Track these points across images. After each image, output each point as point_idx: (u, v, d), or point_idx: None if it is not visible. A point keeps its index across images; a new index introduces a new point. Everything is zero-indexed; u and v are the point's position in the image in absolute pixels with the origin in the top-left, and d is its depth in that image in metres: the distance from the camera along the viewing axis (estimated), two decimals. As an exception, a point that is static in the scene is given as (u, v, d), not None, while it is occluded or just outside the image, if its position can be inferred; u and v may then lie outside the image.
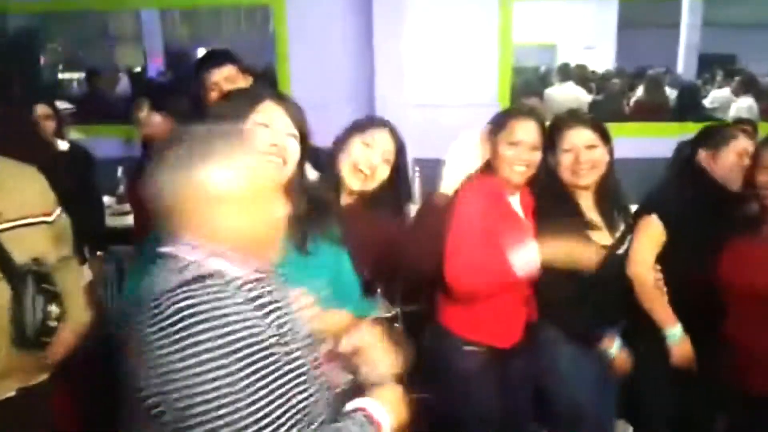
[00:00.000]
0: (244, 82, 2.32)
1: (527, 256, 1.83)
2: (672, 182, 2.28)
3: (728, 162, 2.12)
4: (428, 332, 2.05)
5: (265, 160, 1.22)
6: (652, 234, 2.08)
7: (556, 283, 1.90)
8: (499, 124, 1.97)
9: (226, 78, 2.27)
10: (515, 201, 2.02)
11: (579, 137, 1.99)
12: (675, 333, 2.06)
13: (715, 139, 2.18)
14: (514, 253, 1.84)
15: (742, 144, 2.13)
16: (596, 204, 2.06)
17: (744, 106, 5.35)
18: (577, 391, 2.04)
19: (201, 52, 8.99)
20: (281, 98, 1.46)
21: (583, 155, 1.98)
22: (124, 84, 6.53)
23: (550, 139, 2.03)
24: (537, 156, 1.94)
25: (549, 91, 5.91)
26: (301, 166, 1.46)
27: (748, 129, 4.01)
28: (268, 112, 1.41)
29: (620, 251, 2.07)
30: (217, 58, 2.38)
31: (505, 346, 2.00)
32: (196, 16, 9.64)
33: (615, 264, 2.04)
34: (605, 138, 2.02)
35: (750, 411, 1.93)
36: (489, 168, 1.95)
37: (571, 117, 2.10)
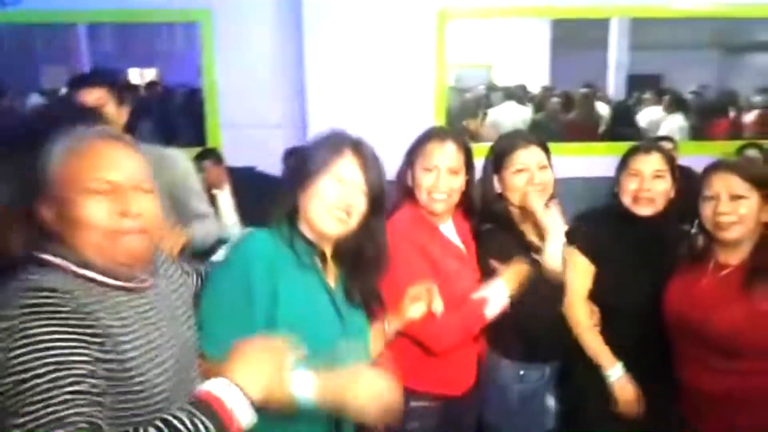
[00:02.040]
0: (114, 107, 2.18)
1: (497, 299, 1.75)
2: (593, 210, 2.16)
3: (626, 187, 1.99)
4: None
5: (331, 215, 1.40)
6: (576, 268, 1.98)
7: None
8: (414, 147, 1.85)
9: (96, 100, 2.12)
10: (448, 229, 1.91)
11: (532, 157, 1.91)
12: (612, 374, 1.96)
13: (622, 162, 2.06)
14: (481, 296, 1.74)
15: (635, 166, 1.99)
16: (539, 228, 1.95)
17: (675, 124, 5.51)
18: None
19: (133, 72, 8.71)
20: (361, 150, 1.46)
21: (537, 176, 1.89)
22: (34, 103, 6.18)
23: (495, 161, 1.94)
24: (458, 182, 1.82)
25: (492, 112, 5.91)
26: (365, 218, 1.47)
27: (668, 147, 4.14)
28: (346, 167, 1.43)
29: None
30: (86, 79, 2.24)
31: (458, 393, 1.86)
32: (129, 34, 9.31)
33: (560, 288, 1.95)
34: (550, 159, 1.96)
35: None
36: (411, 198, 1.84)
37: (520, 137, 2.01)
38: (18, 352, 0.94)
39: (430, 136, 1.85)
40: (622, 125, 5.69)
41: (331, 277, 1.49)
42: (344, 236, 1.45)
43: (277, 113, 3.94)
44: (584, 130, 5.26)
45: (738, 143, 4.32)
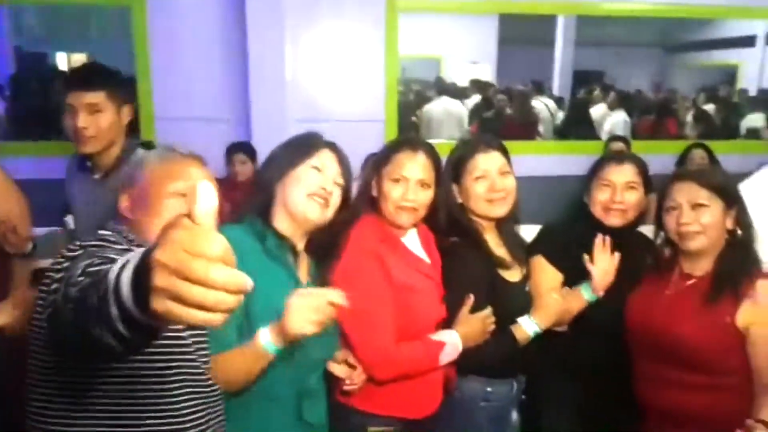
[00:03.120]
0: (113, 113, 1.98)
1: (454, 347, 1.67)
2: (560, 219, 2.10)
3: (597, 197, 1.92)
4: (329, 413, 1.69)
5: (312, 200, 1.48)
6: (541, 275, 1.91)
7: None
8: (383, 156, 1.73)
9: (90, 106, 1.94)
10: (412, 241, 1.78)
11: (492, 162, 1.81)
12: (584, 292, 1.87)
13: (592, 171, 1.98)
14: (440, 340, 1.66)
15: (607, 177, 1.92)
16: (500, 238, 1.89)
17: (618, 120, 5.59)
18: None
19: (60, 56, 8.18)
20: (336, 149, 1.58)
21: (499, 183, 1.80)
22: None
23: (454, 169, 1.83)
24: (427, 195, 1.71)
25: (428, 106, 5.83)
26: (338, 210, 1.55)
27: (622, 146, 4.15)
28: (324, 158, 1.53)
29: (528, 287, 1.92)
30: (82, 80, 2.01)
31: (420, 416, 1.74)
32: (58, 16, 8.76)
33: (526, 300, 1.88)
34: (510, 163, 1.86)
35: None
36: (374, 208, 1.72)
37: (480, 141, 1.90)
38: None
39: (401, 145, 1.74)
40: (578, 122, 5.69)
41: (304, 271, 1.53)
42: (318, 229, 1.52)
43: (219, 106, 3.72)
44: (520, 128, 5.24)
45: (684, 143, 4.38)
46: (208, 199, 0.65)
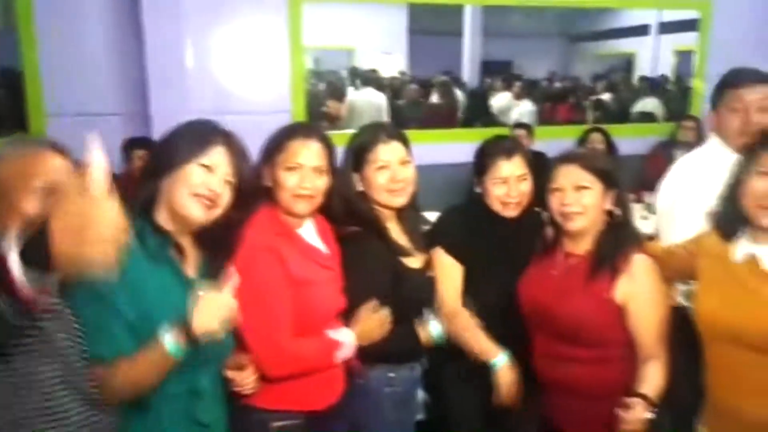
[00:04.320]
0: None
1: (349, 346, 1.68)
2: (454, 208, 2.11)
3: (492, 192, 1.96)
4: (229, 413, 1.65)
5: (197, 200, 1.42)
6: (443, 268, 1.95)
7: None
8: (275, 145, 1.70)
9: None
10: (309, 232, 1.77)
11: (393, 153, 1.82)
12: (498, 362, 1.90)
13: (482, 164, 2.01)
14: (336, 339, 1.67)
15: (500, 174, 1.95)
16: (401, 226, 1.92)
17: (525, 109, 5.77)
18: None
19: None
20: (232, 143, 1.49)
21: (399, 173, 1.82)
22: None
23: (355, 158, 1.84)
24: (323, 182, 1.70)
25: (351, 97, 5.81)
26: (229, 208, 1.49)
27: (524, 132, 4.31)
28: (216, 156, 1.45)
29: (431, 273, 1.95)
30: None
31: (322, 407, 1.74)
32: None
33: (428, 287, 1.92)
34: (410, 153, 1.88)
35: None
36: (270, 198, 1.69)
37: (381, 130, 1.89)
38: None
39: (293, 132, 1.71)
40: (478, 111, 5.85)
41: (192, 267, 1.48)
42: (206, 225, 1.46)
43: (116, 101, 3.55)
44: (444, 117, 5.33)
45: (584, 127, 4.59)
46: (99, 167, 0.66)
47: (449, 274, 1.96)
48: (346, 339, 1.70)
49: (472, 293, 1.97)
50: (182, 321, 1.32)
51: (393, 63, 7.36)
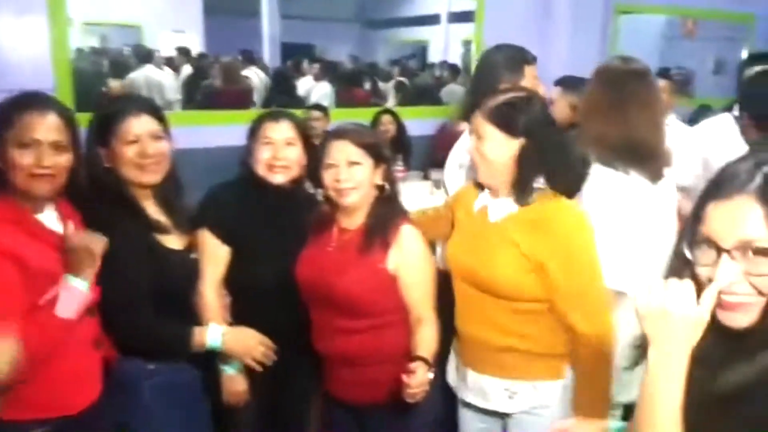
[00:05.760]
0: None
1: (73, 294, 1.51)
2: (219, 186, 2.03)
3: (259, 156, 1.92)
4: None
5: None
6: (207, 251, 1.89)
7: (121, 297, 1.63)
8: (3, 120, 1.50)
9: None
10: (50, 217, 1.59)
11: (144, 126, 1.71)
12: (228, 369, 1.92)
13: (251, 132, 1.97)
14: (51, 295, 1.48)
15: (267, 134, 1.93)
16: (161, 204, 1.81)
17: (322, 91, 5.81)
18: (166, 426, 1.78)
19: None
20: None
21: (150, 147, 1.70)
22: None
23: (100, 131, 1.70)
24: (65, 159, 1.54)
25: (130, 75, 5.40)
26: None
27: (320, 114, 4.33)
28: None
29: (194, 255, 1.86)
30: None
31: (80, 408, 1.59)
32: None
33: (191, 268, 1.83)
34: (167, 129, 1.77)
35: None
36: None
37: (130, 103, 1.79)
38: None
39: (26, 105, 1.52)
40: (281, 93, 5.77)
41: None
42: None
43: None
44: (232, 97, 5.18)
45: (376, 109, 4.73)
46: None
47: (211, 258, 1.89)
48: (65, 288, 1.52)
49: (249, 277, 1.90)
50: None
51: (187, 42, 7.00)
